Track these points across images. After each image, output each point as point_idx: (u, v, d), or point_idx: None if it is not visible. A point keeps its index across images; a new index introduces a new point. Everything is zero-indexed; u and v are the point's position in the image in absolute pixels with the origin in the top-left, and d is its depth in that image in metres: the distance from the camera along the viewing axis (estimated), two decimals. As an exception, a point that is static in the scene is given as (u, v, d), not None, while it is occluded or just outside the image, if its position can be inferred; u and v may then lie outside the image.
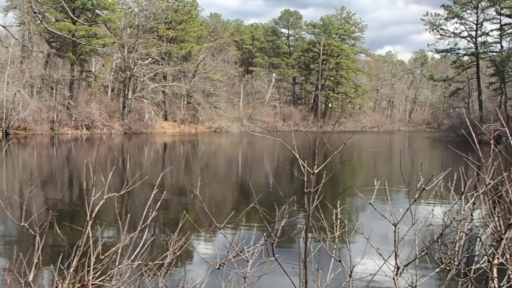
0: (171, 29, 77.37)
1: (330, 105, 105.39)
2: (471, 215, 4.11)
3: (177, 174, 26.92)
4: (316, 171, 3.51)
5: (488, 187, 3.88)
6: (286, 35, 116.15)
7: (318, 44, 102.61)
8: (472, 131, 4.08)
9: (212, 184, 22.36)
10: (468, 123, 4.21)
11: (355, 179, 26.48)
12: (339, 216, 4.02)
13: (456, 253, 3.90)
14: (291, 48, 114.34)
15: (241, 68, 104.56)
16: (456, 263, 3.87)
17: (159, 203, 4.18)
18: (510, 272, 3.55)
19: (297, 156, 3.51)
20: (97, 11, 65.97)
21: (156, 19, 72.93)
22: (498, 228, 3.61)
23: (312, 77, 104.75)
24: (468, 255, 4.10)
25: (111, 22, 65.69)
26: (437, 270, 3.92)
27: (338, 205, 4.08)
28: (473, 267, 3.85)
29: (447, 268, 3.90)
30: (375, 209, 3.93)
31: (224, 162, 37.09)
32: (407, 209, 3.70)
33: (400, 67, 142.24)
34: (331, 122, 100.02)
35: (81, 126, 61.96)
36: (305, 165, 3.50)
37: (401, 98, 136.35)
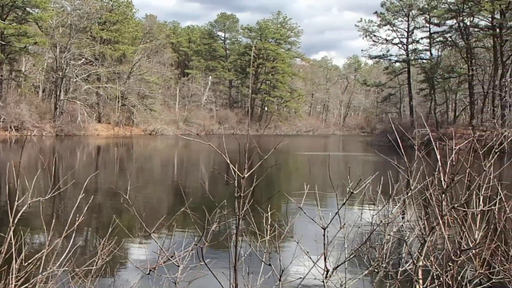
0: (105, 30, 75.74)
1: (266, 108, 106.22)
2: (401, 218, 4.22)
3: (111, 177, 26.40)
4: (246, 175, 3.50)
5: (414, 191, 3.99)
6: (223, 38, 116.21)
7: (254, 48, 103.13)
8: (397, 137, 4.18)
9: (146, 188, 22.04)
10: (394, 129, 4.32)
11: (290, 183, 26.74)
12: (269, 220, 4.02)
13: (384, 255, 3.98)
14: (227, 51, 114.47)
15: (177, 70, 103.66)
16: (384, 266, 3.94)
17: (86, 207, 4.06)
18: (433, 273, 3.66)
19: (227, 160, 3.49)
20: (27, 9, 63.68)
21: (90, 19, 71.21)
22: (423, 231, 3.71)
23: (248, 80, 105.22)
24: (395, 257, 4.19)
25: (42, 20, 63.58)
26: (366, 272, 3.99)
27: (269, 209, 4.09)
28: (400, 269, 3.94)
29: (375, 270, 3.97)
30: (304, 213, 3.96)
31: (159, 166, 36.66)
32: (336, 213, 3.75)
33: (335, 72, 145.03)
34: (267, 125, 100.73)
35: (10, 128, 59.60)
36: (236, 169, 3.49)
37: (336, 102, 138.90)
